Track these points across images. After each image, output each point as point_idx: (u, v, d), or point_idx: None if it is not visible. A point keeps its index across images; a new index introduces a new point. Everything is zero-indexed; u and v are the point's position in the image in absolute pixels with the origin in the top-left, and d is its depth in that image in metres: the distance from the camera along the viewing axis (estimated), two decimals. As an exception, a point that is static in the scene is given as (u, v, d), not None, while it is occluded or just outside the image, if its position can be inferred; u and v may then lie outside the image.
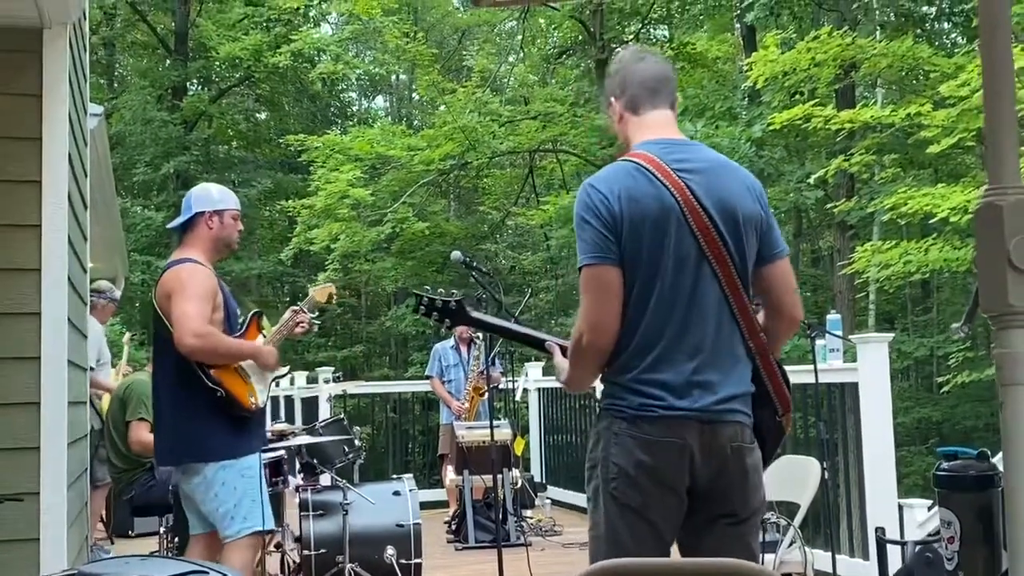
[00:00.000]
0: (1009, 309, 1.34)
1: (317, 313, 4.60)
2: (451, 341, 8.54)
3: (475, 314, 3.14)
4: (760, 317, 2.74)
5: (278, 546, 5.64)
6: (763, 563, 2.61)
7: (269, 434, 5.90)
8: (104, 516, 7.66)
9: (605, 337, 2.59)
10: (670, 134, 2.74)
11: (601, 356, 2.62)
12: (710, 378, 2.58)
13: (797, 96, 13.54)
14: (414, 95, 26.72)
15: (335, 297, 4.93)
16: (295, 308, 4.48)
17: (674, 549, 2.71)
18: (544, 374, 10.14)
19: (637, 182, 2.60)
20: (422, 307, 3.12)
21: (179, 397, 4.09)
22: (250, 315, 4.36)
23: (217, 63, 22.88)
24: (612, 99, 2.82)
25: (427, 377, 8.81)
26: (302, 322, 4.41)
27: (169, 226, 4.39)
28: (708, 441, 2.56)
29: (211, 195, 4.27)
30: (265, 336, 4.36)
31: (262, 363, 4.22)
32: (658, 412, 2.56)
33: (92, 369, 6.90)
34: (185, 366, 4.02)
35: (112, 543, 7.51)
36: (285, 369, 4.48)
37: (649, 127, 2.75)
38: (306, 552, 5.31)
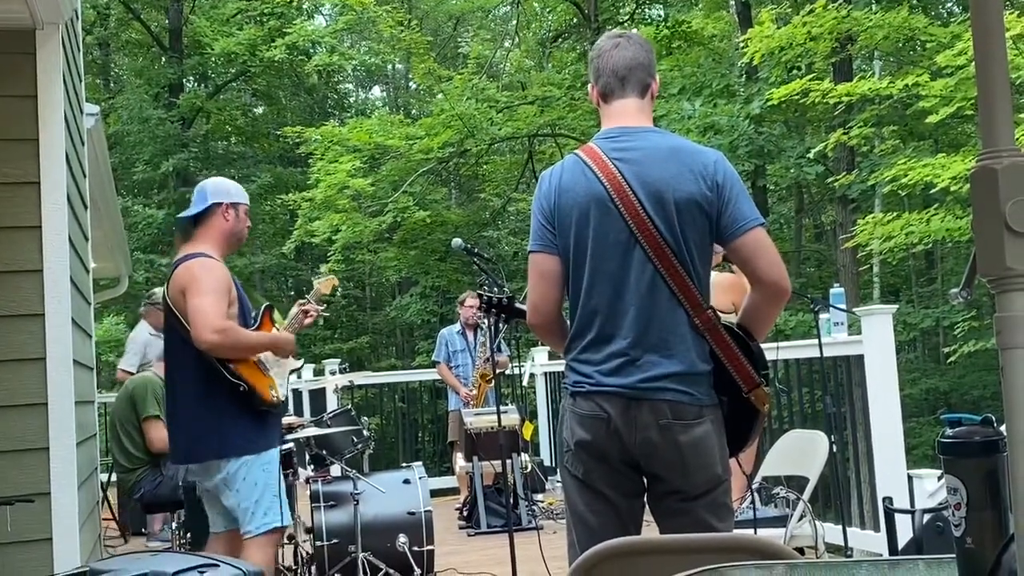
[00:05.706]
0: (1007, 272, 1.33)
1: (324, 306, 4.66)
2: (457, 326, 8.49)
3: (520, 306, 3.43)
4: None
5: (291, 538, 5.66)
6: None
7: (278, 427, 5.96)
8: (114, 514, 7.70)
9: (540, 317, 2.82)
10: (629, 122, 2.80)
11: (546, 333, 2.88)
12: (642, 357, 2.65)
13: (794, 71, 13.49)
14: (411, 84, 26.66)
15: (338, 288, 5.08)
16: (301, 302, 4.48)
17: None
18: (550, 358, 10.15)
19: (573, 173, 2.75)
20: (483, 305, 3.44)
21: (198, 394, 3.99)
22: (262, 308, 4.33)
23: (212, 59, 22.84)
24: (590, 87, 2.92)
25: (434, 363, 8.76)
26: (310, 311, 4.45)
27: (181, 215, 4.31)
28: (634, 417, 2.63)
29: (228, 188, 4.26)
30: (278, 329, 4.35)
31: (282, 351, 4.22)
32: (587, 388, 2.70)
33: (151, 365, 7.12)
34: (204, 362, 3.93)
35: (126, 542, 7.54)
36: (300, 362, 4.49)
37: (613, 116, 2.84)
38: (319, 543, 5.34)
